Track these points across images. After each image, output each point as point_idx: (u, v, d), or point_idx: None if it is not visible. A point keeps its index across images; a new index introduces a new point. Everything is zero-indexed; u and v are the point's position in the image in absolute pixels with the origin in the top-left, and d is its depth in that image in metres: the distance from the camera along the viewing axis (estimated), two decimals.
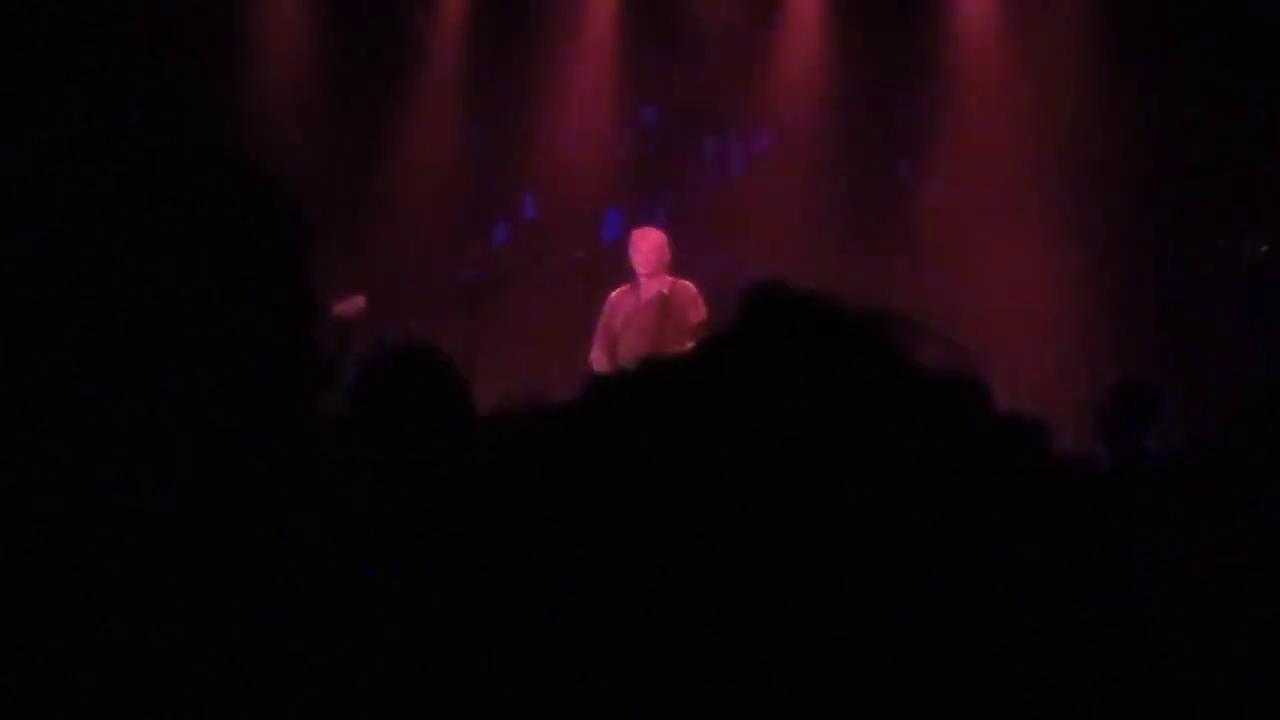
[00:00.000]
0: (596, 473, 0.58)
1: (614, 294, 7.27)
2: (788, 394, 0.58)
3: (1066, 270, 8.32)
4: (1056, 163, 8.36)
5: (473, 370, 6.66)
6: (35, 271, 1.09)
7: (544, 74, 8.65)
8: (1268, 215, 8.00)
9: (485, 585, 0.59)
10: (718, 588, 0.54)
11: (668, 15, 8.62)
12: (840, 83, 8.62)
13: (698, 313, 6.94)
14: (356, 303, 7.10)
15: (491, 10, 8.52)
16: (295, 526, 1.15)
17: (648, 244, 7.10)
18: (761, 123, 8.71)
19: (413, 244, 8.72)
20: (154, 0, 7.61)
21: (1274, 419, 1.89)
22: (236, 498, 1.10)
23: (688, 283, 7.12)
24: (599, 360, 7.16)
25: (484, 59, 8.65)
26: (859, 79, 8.57)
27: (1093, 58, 8.07)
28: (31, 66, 7.20)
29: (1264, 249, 8.01)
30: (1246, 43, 7.75)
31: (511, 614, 0.58)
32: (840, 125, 8.65)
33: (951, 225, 8.49)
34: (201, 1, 7.86)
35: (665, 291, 7.05)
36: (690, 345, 6.03)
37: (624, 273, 7.29)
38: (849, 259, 8.36)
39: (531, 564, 0.58)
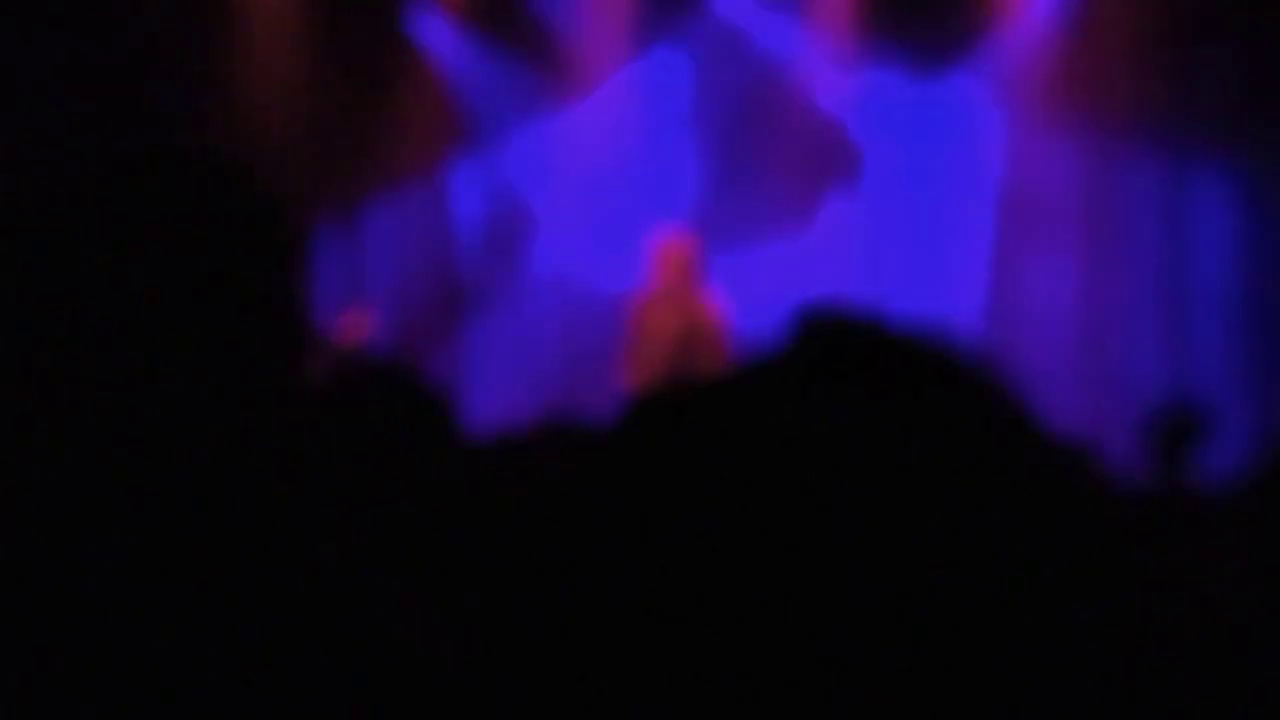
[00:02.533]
0: (641, 496, 0.60)
1: (637, 305, 7.20)
2: (837, 417, 0.59)
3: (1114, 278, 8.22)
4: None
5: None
6: (24, 276, 1.13)
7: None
8: None
9: (528, 605, 0.61)
10: (765, 612, 0.56)
11: None
12: None
13: (725, 338, 6.86)
14: (362, 320, 7.05)
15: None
16: (278, 531, 1.18)
17: (671, 258, 7.04)
18: None
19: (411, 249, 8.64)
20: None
21: None
22: (217, 501, 1.12)
23: (713, 303, 7.07)
24: (626, 374, 7.06)
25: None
26: None
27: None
28: (18, 63, 7.26)
29: None
30: None
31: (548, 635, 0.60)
32: None
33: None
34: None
35: (690, 312, 6.97)
36: (719, 368, 6.14)
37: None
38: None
39: (577, 588, 0.59)
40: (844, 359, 0.62)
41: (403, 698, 1.15)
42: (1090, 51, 7.98)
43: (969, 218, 8.30)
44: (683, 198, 8.38)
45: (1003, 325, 8.06)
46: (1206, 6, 7.70)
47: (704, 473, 0.58)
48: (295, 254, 1.25)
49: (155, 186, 1.19)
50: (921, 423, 0.59)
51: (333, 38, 8.14)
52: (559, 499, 0.62)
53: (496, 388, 8.02)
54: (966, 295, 8.17)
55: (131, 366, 1.13)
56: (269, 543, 1.15)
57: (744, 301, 8.06)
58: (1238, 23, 7.68)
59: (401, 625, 1.46)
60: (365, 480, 2.56)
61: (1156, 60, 7.81)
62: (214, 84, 7.85)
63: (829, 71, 8.33)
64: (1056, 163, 8.23)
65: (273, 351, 1.22)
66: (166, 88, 7.51)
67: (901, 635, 0.55)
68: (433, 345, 8.19)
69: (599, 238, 8.36)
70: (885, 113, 8.37)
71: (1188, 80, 7.80)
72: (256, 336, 1.19)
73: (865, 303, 0.66)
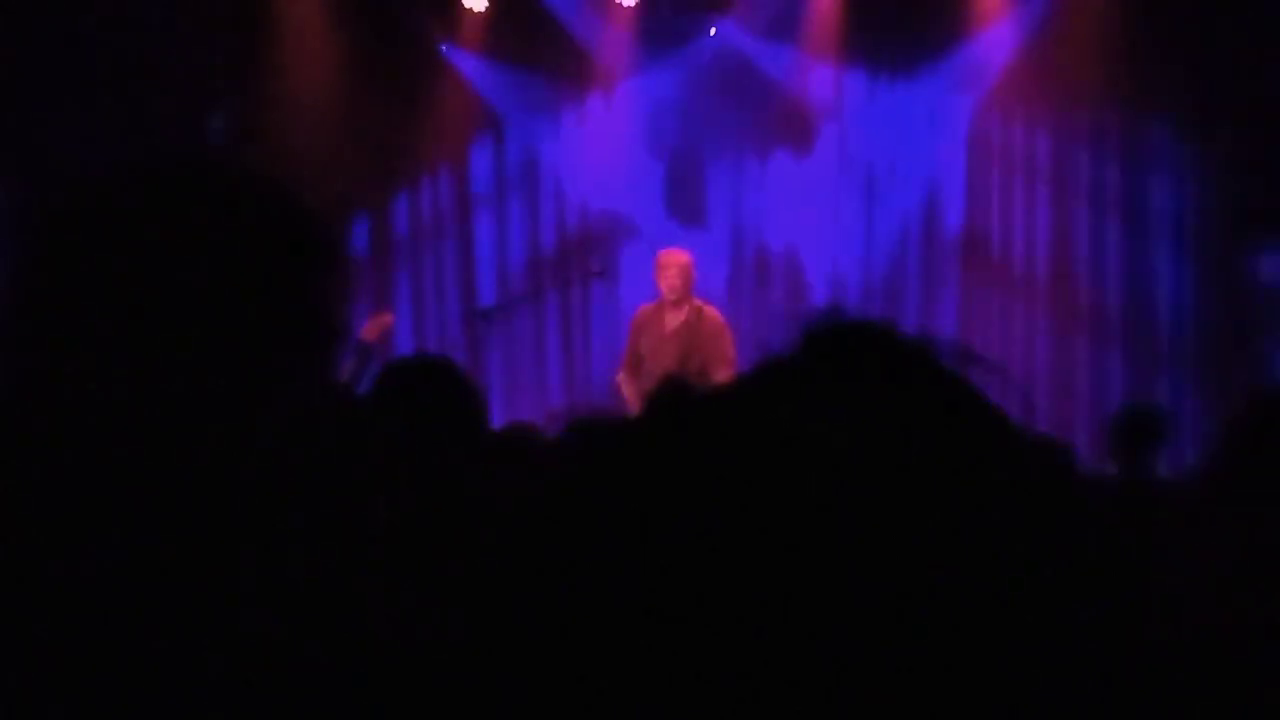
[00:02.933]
0: (658, 496, 0.58)
1: (639, 312, 7.19)
2: (846, 419, 0.58)
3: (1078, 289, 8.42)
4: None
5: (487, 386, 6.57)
6: (74, 283, 1.12)
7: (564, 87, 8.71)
8: None
9: (546, 602, 0.59)
10: (777, 608, 0.55)
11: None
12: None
13: (728, 345, 6.81)
14: (383, 321, 7.07)
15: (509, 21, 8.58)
16: (313, 532, 1.15)
17: (675, 267, 6.96)
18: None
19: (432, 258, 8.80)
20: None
21: (1252, 443, 1.92)
22: (256, 504, 1.11)
23: (714, 312, 7.02)
24: (626, 381, 7.11)
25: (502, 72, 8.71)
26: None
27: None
28: (53, 71, 7.26)
29: None
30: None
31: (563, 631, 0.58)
32: None
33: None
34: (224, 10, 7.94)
35: (693, 321, 6.92)
36: (721, 376, 5.95)
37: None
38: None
39: (592, 585, 0.58)
40: (852, 362, 0.62)
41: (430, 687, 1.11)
42: (1055, 57, 8.20)
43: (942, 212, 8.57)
44: (680, 198, 8.62)
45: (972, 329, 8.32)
46: (1163, 19, 7.90)
47: (719, 469, 0.58)
48: (332, 262, 1.22)
49: (200, 196, 1.17)
50: (923, 420, 0.59)
51: (367, 53, 8.26)
52: (581, 495, 0.61)
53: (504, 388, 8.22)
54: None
55: (175, 367, 1.11)
56: (297, 543, 1.13)
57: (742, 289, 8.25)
58: (1191, 38, 7.87)
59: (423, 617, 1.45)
60: (410, 466, 2.54)
61: (1116, 69, 8.00)
62: (256, 97, 7.95)
63: (817, 80, 8.57)
64: (1020, 157, 8.50)
65: (311, 354, 1.20)
66: (211, 102, 7.64)
67: (910, 625, 0.54)
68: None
69: (603, 240, 8.56)
70: (866, 114, 8.61)
71: (1146, 85, 8.00)
72: (296, 339, 1.18)
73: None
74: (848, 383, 0.60)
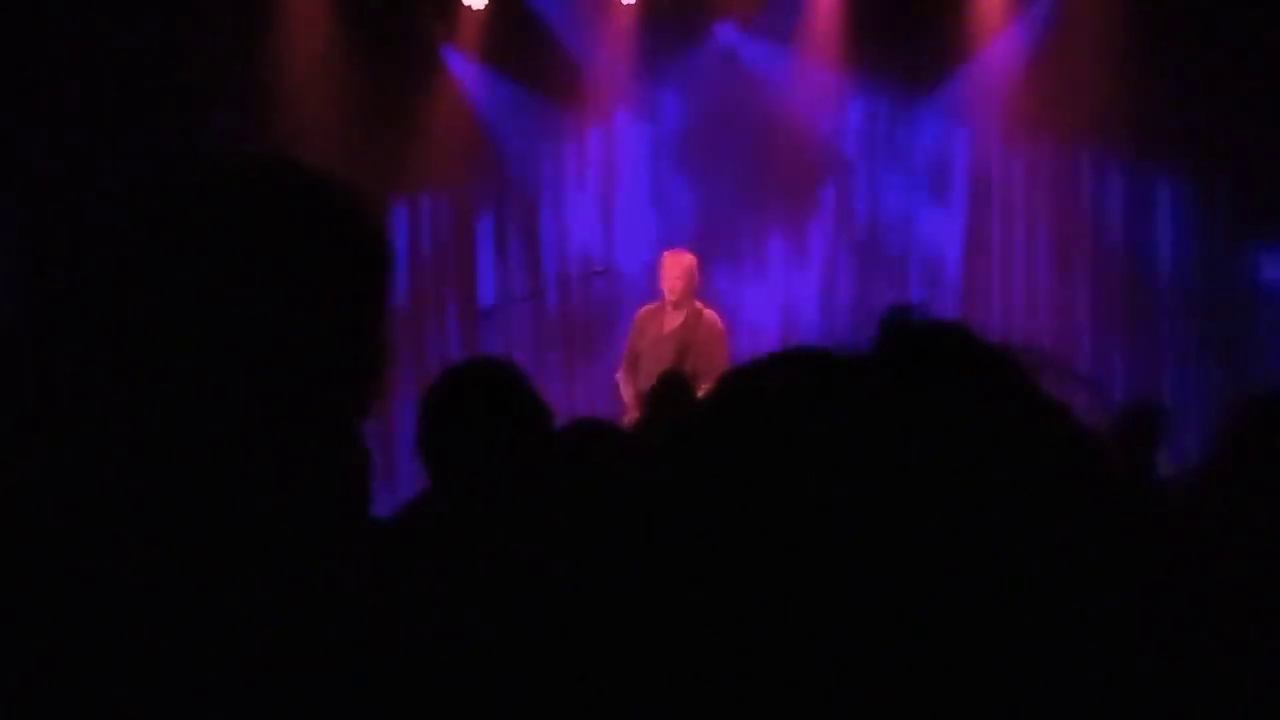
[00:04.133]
0: (728, 487, 0.58)
1: (640, 312, 7.21)
2: (920, 419, 0.58)
3: (1080, 285, 8.45)
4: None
5: None
6: (131, 284, 1.09)
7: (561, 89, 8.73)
8: None
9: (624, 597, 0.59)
10: (848, 601, 0.55)
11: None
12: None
13: (721, 355, 6.80)
14: None
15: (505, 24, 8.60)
16: (356, 539, 1.14)
17: (679, 268, 6.99)
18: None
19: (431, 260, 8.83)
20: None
21: (1245, 444, 1.92)
22: (300, 513, 1.09)
23: (714, 316, 7.03)
24: (625, 382, 7.13)
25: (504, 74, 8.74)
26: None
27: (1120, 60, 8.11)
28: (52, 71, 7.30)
29: None
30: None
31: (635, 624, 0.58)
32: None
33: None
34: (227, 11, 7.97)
35: (691, 323, 6.95)
36: (707, 385, 5.98)
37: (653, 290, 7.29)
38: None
39: (664, 578, 0.58)
40: (928, 357, 0.62)
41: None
42: (1055, 77, 8.24)
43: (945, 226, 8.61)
44: (684, 212, 8.63)
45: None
46: (1160, 41, 7.98)
47: (798, 460, 0.58)
48: (387, 283, 1.19)
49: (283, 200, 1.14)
50: (996, 414, 0.60)
51: (368, 58, 8.30)
52: (653, 482, 0.62)
53: None
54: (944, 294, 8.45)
55: (231, 373, 1.08)
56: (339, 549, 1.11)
57: (742, 303, 8.30)
58: (1189, 57, 7.95)
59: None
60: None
61: (1115, 86, 8.04)
62: (256, 101, 7.97)
63: (819, 96, 8.58)
64: (1022, 174, 8.53)
65: (365, 372, 1.17)
66: (212, 105, 7.62)
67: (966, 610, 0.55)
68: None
69: (606, 249, 8.59)
70: (869, 132, 8.65)
71: (1145, 104, 8.04)
72: (353, 368, 1.15)
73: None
74: (924, 382, 0.61)
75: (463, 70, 8.69)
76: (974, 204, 8.58)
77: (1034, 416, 0.61)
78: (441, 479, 2.66)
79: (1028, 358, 0.63)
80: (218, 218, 1.12)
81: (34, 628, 1.02)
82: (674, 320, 7.00)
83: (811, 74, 8.57)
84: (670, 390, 5.82)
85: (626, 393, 7.09)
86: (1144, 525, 0.60)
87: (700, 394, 6.08)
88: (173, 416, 1.06)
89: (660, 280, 7.06)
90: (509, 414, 2.65)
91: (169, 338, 1.08)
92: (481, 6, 8.44)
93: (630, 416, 6.86)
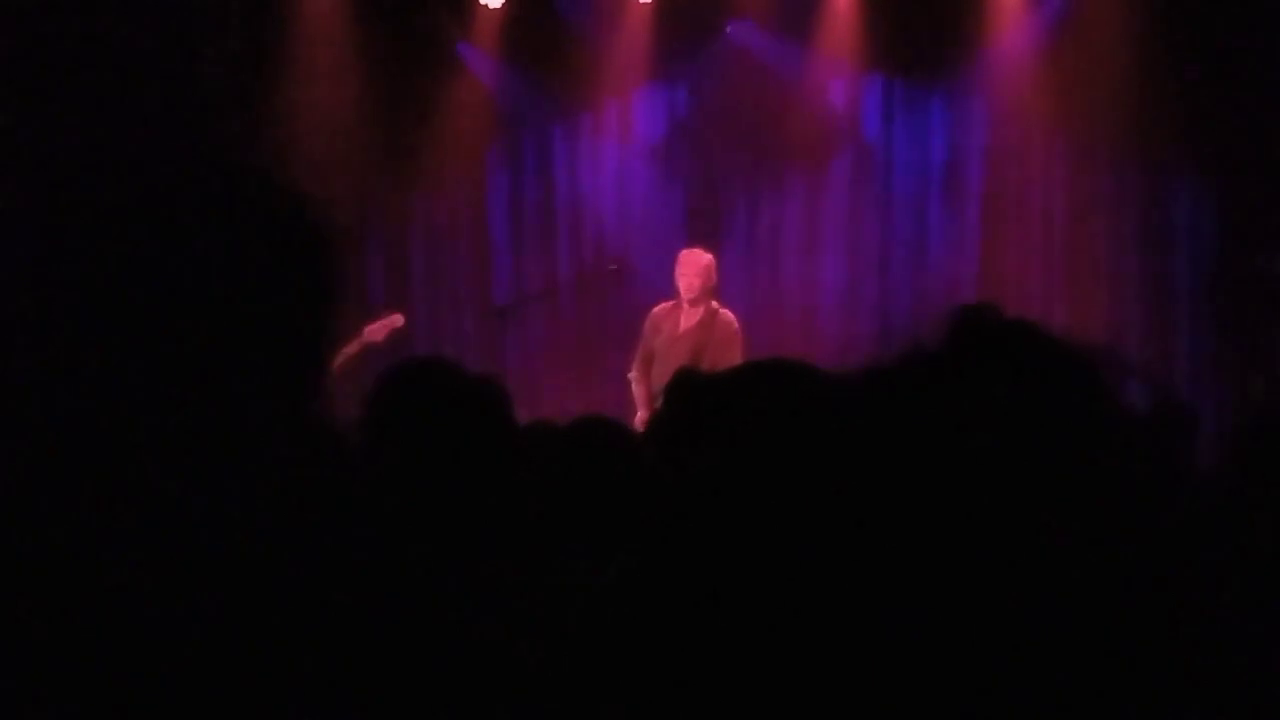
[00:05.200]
0: (810, 472, 0.59)
1: (655, 310, 7.19)
2: (992, 413, 0.60)
3: (1098, 279, 8.43)
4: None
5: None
6: (68, 276, 1.10)
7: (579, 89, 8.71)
8: None
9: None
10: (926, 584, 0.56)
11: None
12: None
13: (736, 355, 6.75)
14: (392, 321, 7.10)
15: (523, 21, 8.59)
16: (310, 531, 1.13)
17: (696, 266, 6.98)
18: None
19: (448, 258, 8.85)
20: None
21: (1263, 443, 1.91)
22: (252, 505, 1.09)
23: (729, 316, 7.01)
24: (638, 380, 7.12)
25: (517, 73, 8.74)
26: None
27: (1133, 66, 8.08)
28: (66, 68, 7.30)
29: None
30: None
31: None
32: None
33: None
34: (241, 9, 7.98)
35: (707, 323, 6.94)
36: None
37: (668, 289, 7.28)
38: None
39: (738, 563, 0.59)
40: (997, 350, 0.64)
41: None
42: (1070, 70, 8.25)
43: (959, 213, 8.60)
44: (701, 207, 8.65)
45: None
46: (1176, 34, 7.96)
47: (880, 445, 0.60)
48: (339, 281, 1.20)
49: (220, 199, 1.15)
50: (1065, 407, 0.62)
51: (384, 53, 8.30)
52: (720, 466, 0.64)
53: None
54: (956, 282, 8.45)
55: (169, 366, 1.08)
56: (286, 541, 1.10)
57: (758, 292, 8.26)
58: (1206, 50, 7.93)
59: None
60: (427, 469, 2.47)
61: (1131, 79, 8.04)
62: (272, 97, 8.00)
63: (834, 91, 8.59)
64: (1038, 166, 8.53)
65: (303, 370, 1.17)
66: (227, 102, 7.66)
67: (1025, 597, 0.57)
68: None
69: (622, 246, 8.59)
70: (884, 124, 8.65)
71: (1162, 97, 8.01)
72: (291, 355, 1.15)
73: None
74: (995, 377, 0.62)
75: (479, 68, 8.70)
76: (988, 198, 8.57)
77: (1098, 420, 0.62)
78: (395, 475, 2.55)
79: (1096, 356, 0.65)
80: (184, 214, 1.15)
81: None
82: (690, 319, 7.00)
83: (826, 69, 8.57)
84: (684, 392, 5.78)
85: (639, 391, 7.08)
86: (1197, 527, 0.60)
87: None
88: (125, 401, 1.08)
89: (676, 279, 7.04)
90: (455, 415, 2.58)
91: (124, 323, 1.09)
92: (498, 5, 8.44)
93: (642, 415, 6.86)
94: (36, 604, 1.02)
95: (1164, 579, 0.59)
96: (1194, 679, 0.59)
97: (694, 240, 7.76)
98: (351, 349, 6.56)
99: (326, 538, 1.13)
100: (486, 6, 8.47)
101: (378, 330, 6.82)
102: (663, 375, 6.44)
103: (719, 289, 7.18)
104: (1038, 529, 0.57)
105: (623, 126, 8.78)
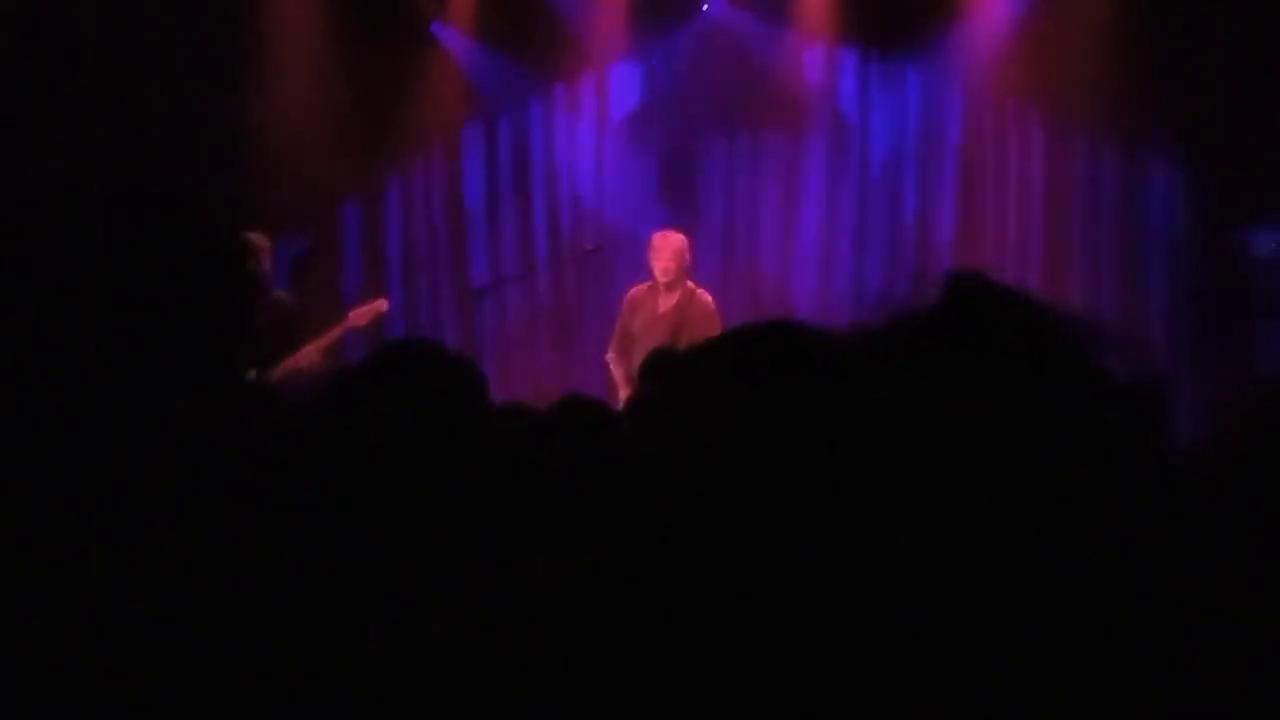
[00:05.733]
0: (799, 435, 0.58)
1: (632, 292, 7.20)
2: (981, 377, 0.59)
3: (1073, 253, 8.47)
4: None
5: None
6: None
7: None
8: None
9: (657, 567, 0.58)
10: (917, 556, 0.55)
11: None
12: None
13: (713, 335, 6.78)
14: (375, 307, 7.12)
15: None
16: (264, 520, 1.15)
17: (670, 249, 7.00)
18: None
19: (425, 239, 8.81)
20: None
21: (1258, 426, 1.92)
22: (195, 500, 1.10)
23: (706, 296, 7.03)
24: (615, 360, 7.13)
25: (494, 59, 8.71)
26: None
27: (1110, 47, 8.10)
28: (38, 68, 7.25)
29: (1276, 243, 8.07)
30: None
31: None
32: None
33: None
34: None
35: (683, 304, 6.96)
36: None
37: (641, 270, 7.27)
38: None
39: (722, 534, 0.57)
40: (987, 317, 0.63)
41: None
42: (1046, 46, 8.24)
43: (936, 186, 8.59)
44: (678, 185, 8.61)
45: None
46: (1151, 14, 7.97)
47: (855, 413, 0.59)
48: (248, 291, 1.34)
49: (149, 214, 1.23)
50: (1055, 375, 0.61)
51: (358, 33, 8.26)
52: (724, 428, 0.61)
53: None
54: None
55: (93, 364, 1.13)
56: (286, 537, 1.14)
57: (734, 269, 8.27)
58: (1182, 23, 7.94)
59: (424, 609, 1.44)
60: (399, 457, 2.40)
61: (1109, 51, 8.04)
62: (247, 80, 7.93)
63: (810, 67, 8.58)
64: (1014, 138, 8.53)
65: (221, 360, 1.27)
66: (202, 86, 7.60)
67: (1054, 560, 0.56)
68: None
69: (599, 226, 8.54)
70: (860, 98, 8.65)
71: (1137, 75, 8.03)
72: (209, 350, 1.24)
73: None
74: (983, 343, 0.61)
75: (454, 47, 8.65)
76: (964, 169, 8.58)
77: (1079, 385, 0.62)
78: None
79: (1085, 328, 0.64)
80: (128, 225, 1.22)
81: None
82: (668, 301, 7.02)
83: (803, 43, 8.55)
84: (662, 367, 5.80)
85: (617, 372, 7.10)
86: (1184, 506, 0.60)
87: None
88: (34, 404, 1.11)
89: (651, 262, 7.05)
90: (437, 394, 2.53)
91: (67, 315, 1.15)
92: None
93: (623, 394, 6.87)
94: None
95: (1160, 557, 0.58)
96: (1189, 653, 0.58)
97: (670, 217, 7.77)
98: (335, 333, 6.59)
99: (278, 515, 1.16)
100: None
101: (362, 314, 6.85)
102: (642, 357, 6.39)
103: (694, 266, 7.19)
104: (1036, 504, 0.56)
105: (599, 104, 8.74)
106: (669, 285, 7.00)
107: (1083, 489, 0.57)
